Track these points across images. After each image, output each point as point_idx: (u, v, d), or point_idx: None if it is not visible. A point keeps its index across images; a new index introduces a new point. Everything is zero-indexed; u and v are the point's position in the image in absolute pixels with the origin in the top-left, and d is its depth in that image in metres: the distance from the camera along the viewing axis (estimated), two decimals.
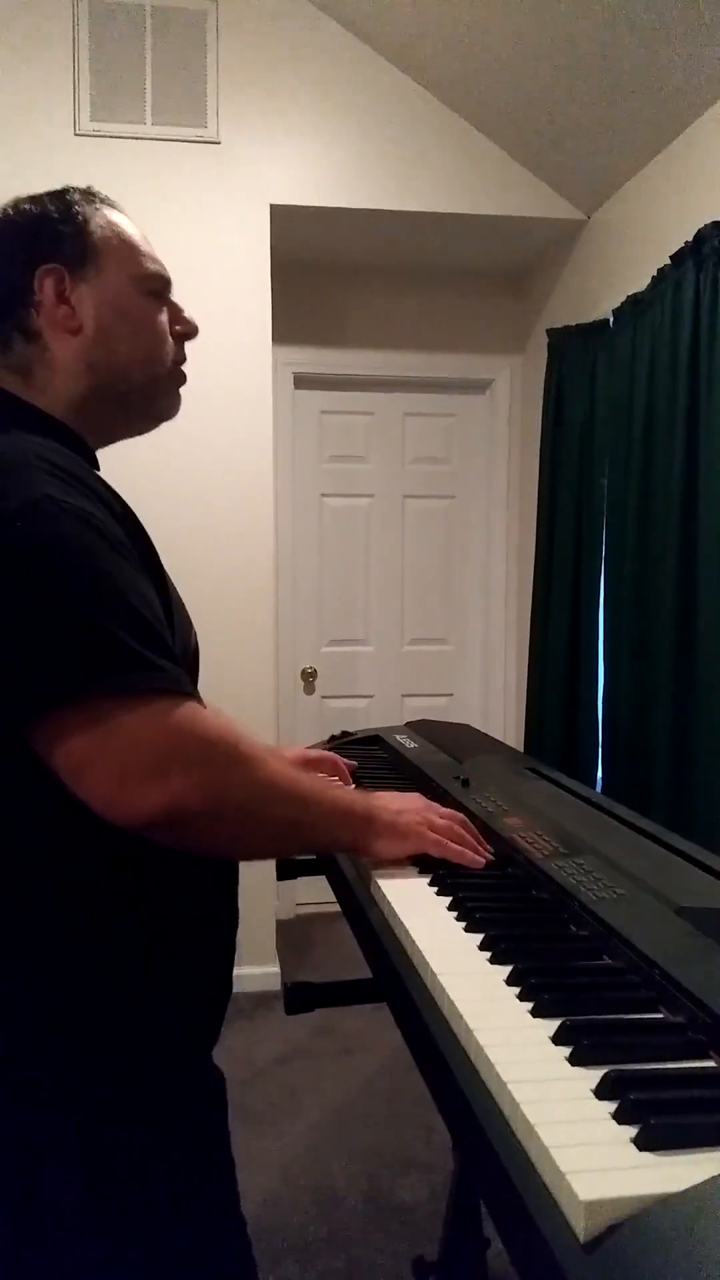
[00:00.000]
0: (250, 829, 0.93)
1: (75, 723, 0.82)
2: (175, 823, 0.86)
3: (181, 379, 1.10)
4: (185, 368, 1.10)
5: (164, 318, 1.06)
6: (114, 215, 1.05)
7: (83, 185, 1.06)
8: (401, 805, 1.09)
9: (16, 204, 1.03)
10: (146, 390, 1.06)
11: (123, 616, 0.84)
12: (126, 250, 1.04)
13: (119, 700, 0.83)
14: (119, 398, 1.04)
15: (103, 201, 1.05)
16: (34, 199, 1.03)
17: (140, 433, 1.10)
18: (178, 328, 1.08)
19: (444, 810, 1.13)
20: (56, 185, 1.05)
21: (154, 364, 1.05)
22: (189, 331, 1.09)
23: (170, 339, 1.07)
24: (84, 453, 1.02)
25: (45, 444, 0.92)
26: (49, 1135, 0.92)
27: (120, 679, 0.83)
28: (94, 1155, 0.92)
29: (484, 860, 1.09)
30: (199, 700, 0.90)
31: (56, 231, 1.00)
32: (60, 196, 1.03)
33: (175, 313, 1.08)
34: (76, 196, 1.03)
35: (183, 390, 1.10)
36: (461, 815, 1.15)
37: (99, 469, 1.06)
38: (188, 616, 1.06)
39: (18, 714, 0.84)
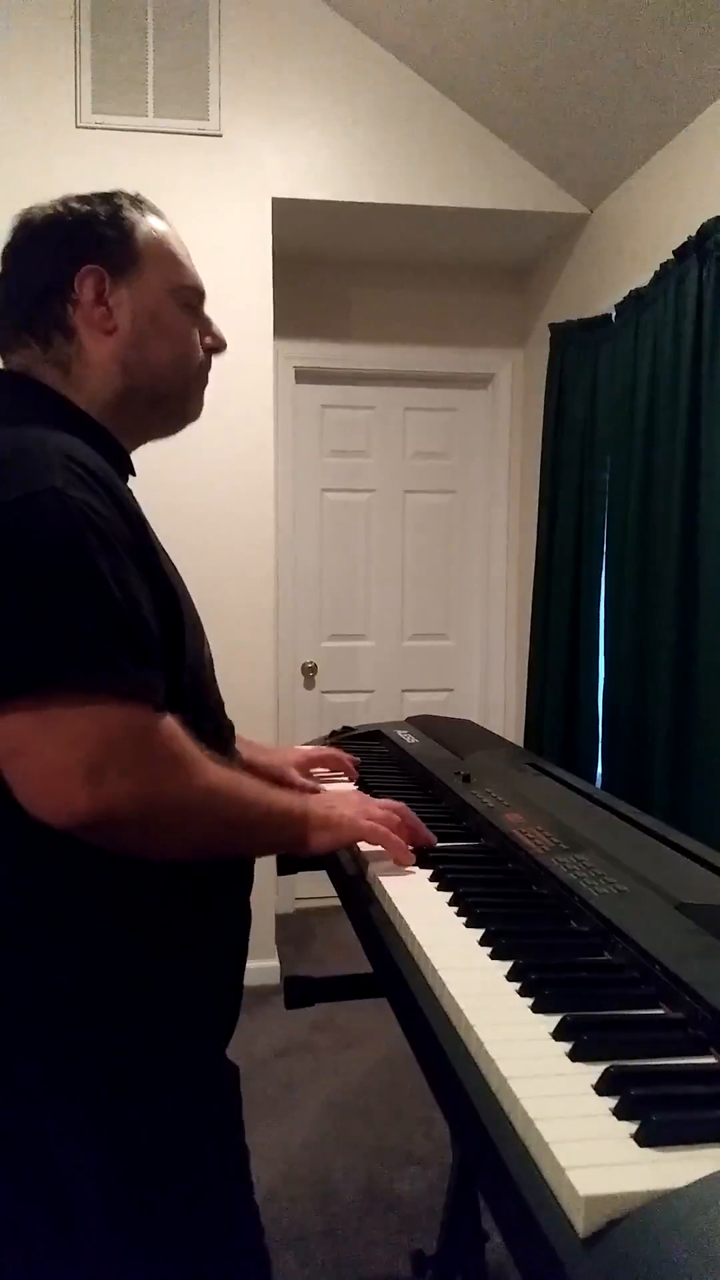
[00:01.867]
0: (183, 835, 0.93)
1: (22, 710, 0.82)
2: (103, 826, 0.85)
3: (205, 381, 1.12)
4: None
5: (195, 330, 1.09)
6: (159, 225, 1.07)
7: (131, 192, 1.08)
8: (336, 800, 1.11)
9: (65, 202, 1.05)
10: (177, 393, 1.08)
11: (97, 615, 0.84)
12: (168, 260, 1.06)
13: (68, 696, 0.83)
14: (151, 399, 1.06)
15: (150, 210, 1.08)
16: (83, 199, 1.05)
17: (171, 433, 1.12)
18: (207, 340, 1.11)
19: (383, 801, 1.15)
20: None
21: (183, 369, 1.08)
22: (218, 346, 1.12)
23: (200, 350, 1.10)
24: (116, 451, 1.03)
25: (70, 440, 0.92)
26: (64, 1127, 0.93)
27: (77, 676, 0.83)
28: (109, 1147, 0.93)
29: (413, 858, 1.09)
30: (158, 706, 0.89)
31: (101, 234, 1.02)
32: (109, 200, 1.05)
33: (206, 326, 1.11)
34: (125, 202, 1.06)
35: None
36: (402, 805, 1.15)
37: (133, 468, 1.08)
38: (201, 629, 1.07)
39: None
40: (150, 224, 1.06)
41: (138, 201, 1.07)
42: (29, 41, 3.00)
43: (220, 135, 3.12)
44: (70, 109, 3.03)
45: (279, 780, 1.44)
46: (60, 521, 0.84)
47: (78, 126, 3.03)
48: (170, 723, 0.90)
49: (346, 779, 1.53)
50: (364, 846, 1.14)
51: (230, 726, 1.16)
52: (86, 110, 3.03)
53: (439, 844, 1.14)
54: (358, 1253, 2.02)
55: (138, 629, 0.88)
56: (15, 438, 0.91)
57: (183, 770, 0.90)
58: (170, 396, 1.07)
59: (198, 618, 1.06)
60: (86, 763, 0.83)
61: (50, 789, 0.84)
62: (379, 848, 1.10)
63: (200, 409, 1.13)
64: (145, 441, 1.11)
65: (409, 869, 1.09)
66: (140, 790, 0.86)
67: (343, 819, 1.07)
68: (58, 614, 0.83)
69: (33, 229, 1.04)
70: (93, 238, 1.02)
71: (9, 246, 1.05)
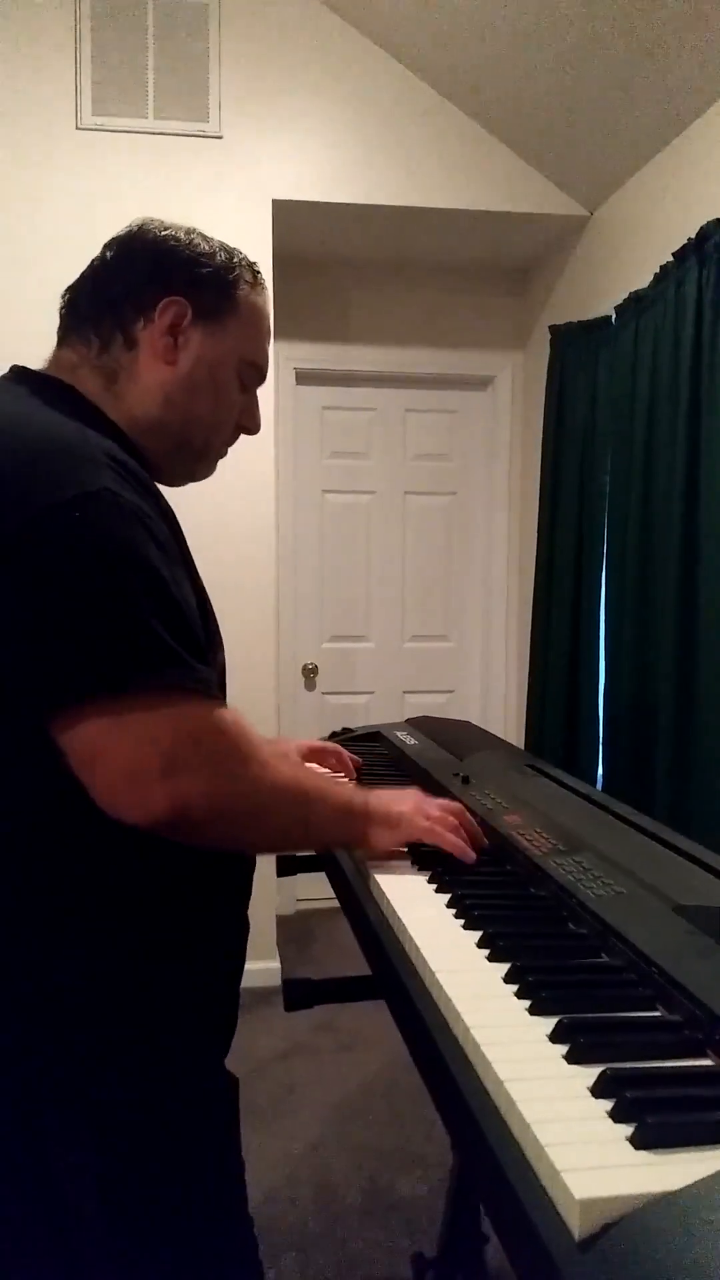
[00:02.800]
0: (252, 830, 0.96)
1: (97, 712, 0.83)
2: (179, 823, 0.87)
3: (223, 453, 1.15)
4: None
5: (239, 403, 1.11)
6: (262, 302, 1.10)
7: (253, 263, 1.11)
8: (397, 797, 1.12)
9: (190, 232, 1.07)
10: (198, 448, 1.09)
11: (162, 614, 0.86)
12: (251, 333, 1.09)
13: (143, 696, 0.84)
14: (175, 441, 1.06)
15: (261, 285, 1.10)
16: (209, 239, 1.08)
17: (175, 483, 1.12)
18: (244, 420, 1.13)
19: (440, 801, 1.15)
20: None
21: (213, 430, 1.09)
22: (250, 429, 1.14)
23: (233, 423, 1.12)
24: (142, 465, 1.03)
25: (107, 441, 0.93)
26: (63, 1131, 0.92)
27: (151, 676, 0.84)
28: (107, 1152, 0.93)
29: (473, 856, 1.09)
30: (220, 701, 0.91)
31: (204, 275, 1.04)
32: (230, 252, 1.08)
33: (250, 408, 1.13)
34: (243, 264, 1.08)
35: None
36: (459, 805, 1.16)
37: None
38: (218, 628, 1.08)
39: (54, 702, 0.84)
40: (255, 295, 1.08)
41: (255, 272, 1.10)
42: (29, 43, 3.01)
43: (220, 137, 3.12)
44: (70, 111, 3.03)
45: None
46: (118, 522, 0.85)
47: (78, 128, 3.03)
48: (235, 716, 0.92)
49: (347, 779, 1.53)
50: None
51: None
52: (87, 112, 3.03)
53: (435, 848, 1.13)
54: (358, 1254, 2.02)
55: (193, 627, 0.90)
56: (54, 427, 0.92)
57: (253, 763, 0.92)
58: (190, 448, 1.08)
59: (215, 619, 1.07)
60: (163, 760, 0.84)
61: (130, 788, 0.85)
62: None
63: (209, 474, 1.15)
64: (154, 479, 1.11)
65: (407, 871, 1.08)
66: (214, 784, 0.88)
67: (402, 817, 1.08)
68: (125, 616, 0.84)
69: (146, 238, 1.05)
70: (196, 275, 1.04)
71: (117, 240, 1.06)
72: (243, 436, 1.16)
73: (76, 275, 1.08)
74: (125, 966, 0.94)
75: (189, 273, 1.03)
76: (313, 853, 1.11)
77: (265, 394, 1.15)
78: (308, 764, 1.49)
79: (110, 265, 1.05)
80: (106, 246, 1.06)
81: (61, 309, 1.07)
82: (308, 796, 0.99)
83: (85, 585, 0.83)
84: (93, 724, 0.83)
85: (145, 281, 1.03)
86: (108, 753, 0.84)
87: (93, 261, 1.06)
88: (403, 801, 1.11)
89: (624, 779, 2.91)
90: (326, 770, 1.52)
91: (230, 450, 1.17)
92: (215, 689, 0.90)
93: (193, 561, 1.03)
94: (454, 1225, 1.63)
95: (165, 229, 1.06)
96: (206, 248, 1.06)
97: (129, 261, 1.04)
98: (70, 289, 1.07)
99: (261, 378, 1.12)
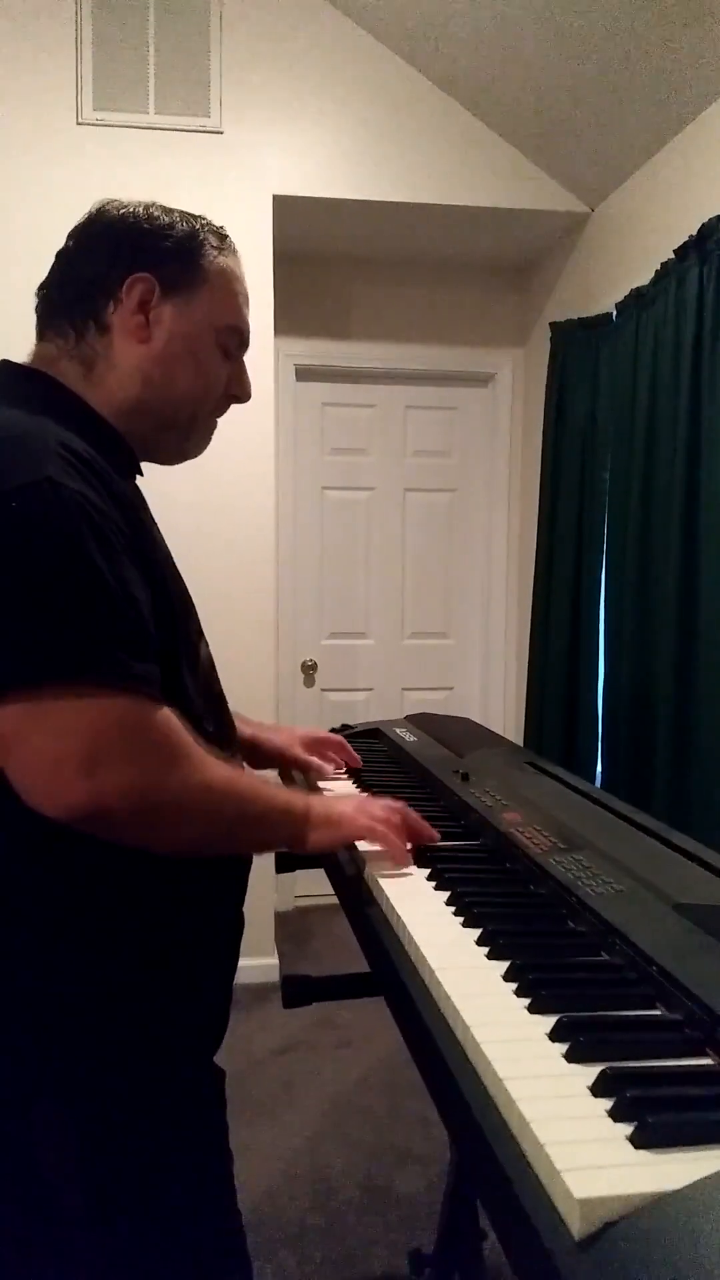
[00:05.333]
0: (180, 828, 0.93)
1: (17, 702, 0.83)
2: (98, 818, 0.86)
3: (214, 427, 1.12)
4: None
5: (225, 371, 1.09)
6: (232, 264, 1.07)
7: (218, 225, 1.09)
8: (339, 798, 1.12)
9: (149, 207, 1.05)
10: (184, 423, 1.08)
11: (96, 608, 0.84)
12: (224, 298, 1.06)
13: (63, 689, 0.83)
14: (158, 420, 1.05)
15: (229, 250, 1.08)
16: (168, 210, 1.06)
17: (168, 462, 1.12)
18: (233, 389, 1.11)
19: (383, 801, 1.14)
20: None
21: (197, 402, 1.07)
22: (241, 396, 1.12)
23: (221, 393, 1.09)
24: (123, 450, 1.03)
25: (67, 433, 0.92)
26: (50, 1130, 0.92)
27: (70, 668, 0.83)
28: (94, 1150, 0.93)
29: (409, 860, 1.08)
30: (155, 699, 0.89)
31: (167, 248, 1.03)
32: (191, 221, 1.06)
33: (237, 374, 1.11)
34: (206, 229, 1.06)
35: None
36: (402, 804, 1.15)
37: (140, 469, 1.08)
38: (198, 625, 1.07)
39: None
40: (224, 260, 1.06)
41: (221, 236, 1.08)
42: (30, 38, 3.00)
43: (221, 133, 3.12)
44: (71, 106, 3.02)
45: (281, 757, 1.45)
46: (56, 513, 0.84)
47: (79, 123, 3.03)
48: (167, 715, 0.90)
49: (347, 773, 1.53)
50: (363, 845, 1.14)
51: (231, 724, 1.15)
52: (88, 107, 3.02)
53: (437, 843, 1.14)
54: (356, 1250, 2.02)
55: (133, 621, 0.88)
56: (12, 423, 0.91)
57: (179, 763, 0.90)
58: (177, 424, 1.07)
59: (194, 613, 1.06)
60: (80, 753, 0.83)
61: (45, 780, 0.84)
62: (378, 847, 1.10)
63: (202, 448, 1.13)
64: (146, 460, 1.10)
65: (407, 869, 1.08)
66: (134, 782, 0.86)
67: (342, 817, 1.07)
68: (52, 607, 0.83)
69: (105, 220, 1.04)
70: (158, 249, 1.02)
71: (79, 228, 1.05)
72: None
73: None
74: (116, 962, 0.94)
75: (151, 247, 1.02)
76: (251, 855, 1.10)
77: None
78: (309, 756, 1.48)
79: (74, 253, 1.05)
80: (69, 236, 1.06)
81: (37, 305, 1.06)
82: (240, 798, 0.98)
83: (14, 575, 0.82)
84: (11, 711, 0.83)
85: (109, 264, 1.02)
86: (23, 743, 0.84)
87: (58, 252, 1.06)
88: (345, 802, 1.11)
89: (623, 776, 2.91)
90: (329, 763, 1.51)
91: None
92: (150, 685, 0.88)
93: (160, 552, 1.00)
94: (452, 1222, 1.63)
95: (123, 208, 1.05)
96: (166, 220, 1.04)
97: (91, 246, 1.04)
98: (42, 284, 1.06)
99: (244, 342, 1.10)
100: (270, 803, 1.03)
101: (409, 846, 1.11)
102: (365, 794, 1.17)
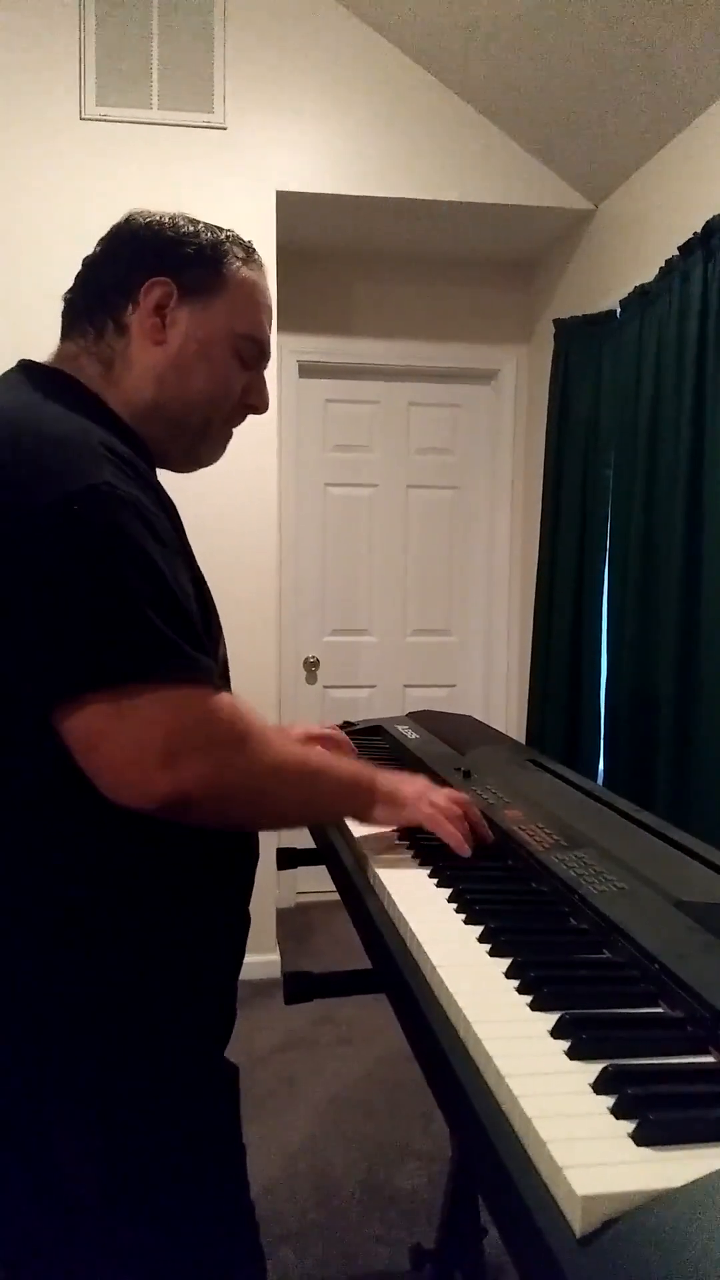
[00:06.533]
0: (256, 809, 0.98)
1: (98, 701, 0.85)
2: (180, 806, 0.88)
3: (229, 436, 1.14)
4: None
5: (240, 380, 1.09)
6: (255, 277, 1.09)
7: (246, 240, 1.10)
8: (405, 779, 1.13)
9: (176, 216, 1.07)
10: (196, 429, 1.08)
11: (163, 606, 0.87)
12: (244, 307, 1.08)
13: (143, 686, 0.86)
14: (172, 424, 1.06)
15: (255, 262, 1.09)
16: (195, 221, 1.08)
17: (182, 469, 1.12)
18: (251, 400, 1.12)
19: (448, 791, 1.15)
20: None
21: (210, 408, 1.08)
22: (259, 407, 1.14)
23: (236, 402, 1.10)
24: (142, 454, 1.03)
25: (105, 434, 0.94)
26: (65, 1127, 0.93)
27: (150, 667, 0.86)
28: (109, 1146, 0.94)
29: (468, 850, 1.09)
30: (217, 688, 0.92)
31: (189, 254, 1.04)
32: (217, 231, 1.08)
33: (256, 385, 1.12)
34: (230, 240, 1.08)
35: None
36: (466, 797, 1.16)
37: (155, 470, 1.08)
38: (218, 621, 1.08)
39: (57, 692, 0.86)
40: (247, 272, 1.08)
41: (249, 250, 1.09)
42: (33, 34, 2.99)
43: (225, 128, 3.11)
44: (74, 101, 3.02)
45: None
46: (119, 516, 0.86)
47: (82, 119, 3.02)
48: (231, 701, 0.93)
49: None
50: (360, 838, 1.14)
51: None
52: (90, 102, 3.02)
53: (435, 840, 1.13)
54: (357, 1247, 2.02)
55: (189, 616, 0.91)
56: (57, 421, 0.93)
57: (248, 746, 0.93)
58: (189, 428, 1.08)
59: (215, 612, 1.08)
60: (160, 746, 0.86)
61: (131, 774, 0.87)
62: (375, 838, 1.10)
63: (215, 457, 1.14)
64: (160, 466, 1.10)
65: (408, 865, 1.08)
66: (210, 769, 0.89)
67: (406, 799, 1.10)
68: (125, 607, 0.85)
69: (132, 226, 1.06)
70: (180, 255, 1.04)
71: (110, 232, 1.08)
72: (246, 425, 1.16)
73: (78, 266, 1.08)
74: (128, 958, 0.95)
75: (173, 253, 1.04)
76: (322, 824, 1.14)
77: (268, 386, 1.14)
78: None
79: (99, 258, 1.07)
80: (98, 242, 1.08)
81: (63, 309, 1.08)
82: (313, 772, 1.02)
83: (86, 579, 0.84)
84: (94, 712, 0.85)
85: (130, 267, 1.04)
86: (109, 740, 0.86)
87: (84, 259, 1.08)
88: (410, 784, 1.12)
89: (625, 774, 2.90)
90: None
91: (233, 442, 1.16)
92: (214, 676, 0.92)
93: (191, 554, 1.03)
94: (453, 1218, 1.63)
95: (150, 217, 1.07)
96: (191, 229, 1.06)
97: (115, 252, 1.06)
98: (70, 288, 1.08)
99: (263, 353, 1.11)
100: (339, 778, 1.06)
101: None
102: (429, 780, 1.17)
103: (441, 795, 1.13)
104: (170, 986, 0.98)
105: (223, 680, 1.08)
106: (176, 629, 0.88)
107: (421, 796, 1.11)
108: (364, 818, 1.10)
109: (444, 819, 1.09)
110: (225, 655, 1.10)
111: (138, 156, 3.03)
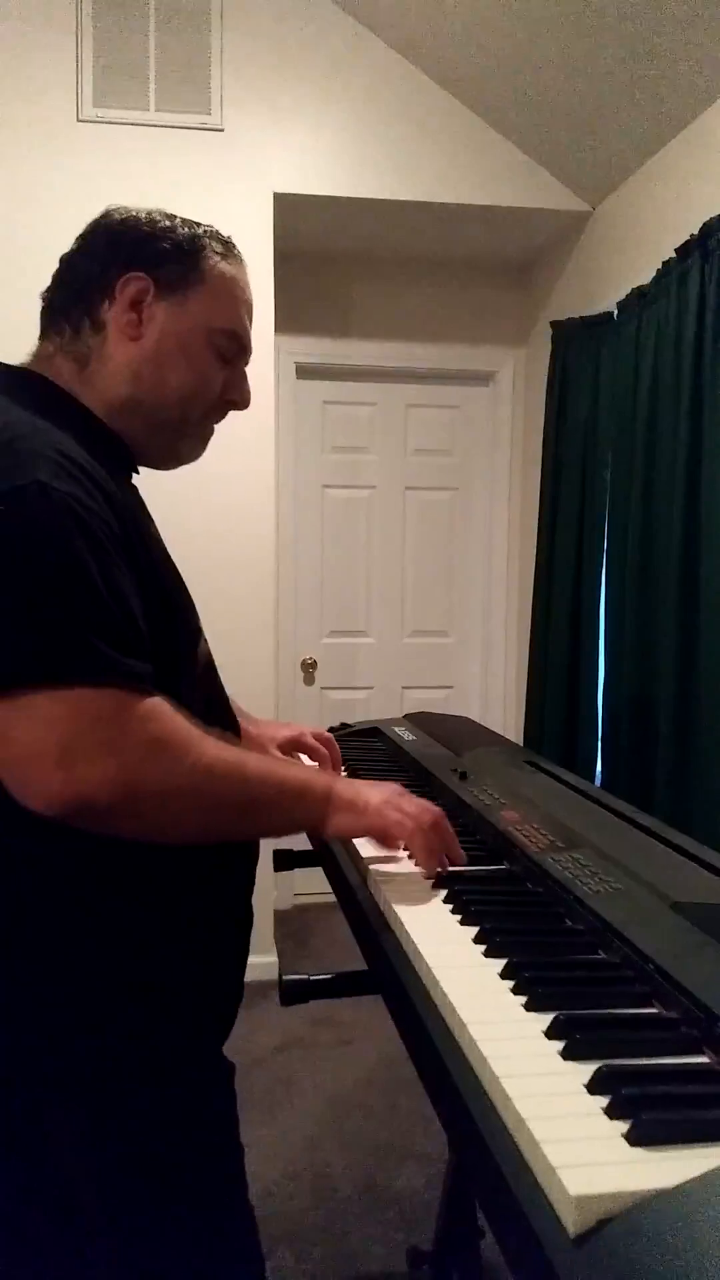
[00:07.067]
0: (177, 816, 0.91)
1: (2, 698, 0.83)
2: (82, 811, 0.85)
3: (210, 433, 1.12)
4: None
5: (220, 376, 1.08)
6: (234, 271, 1.07)
7: (225, 235, 1.09)
8: (371, 785, 1.07)
9: (152, 212, 1.06)
10: (174, 425, 1.07)
11: (75, 601, 0.85)
12: (222, 302, 1.06)
13: (46, 685, 0.83)
14: (149, 420, 1.05)
15: (234, 257, 1.08)
16: (171, 216, 1.07)
17: (162, 466, 1.11)
18: (232, 396, 1.10)
19: (421, 801, 1.08)
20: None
21: (188, 404, 1.06)
22: (239, 403, 1.11)
23: (216, 398, 1.09)
24: (117, 448, 1.03)
25: (61, 435, 0.92)
26: (65, 1126, 0.93)
27: (50, 665, 0.83)
28: (108, 1145, 0.94)
29: (435, 866, 1.04)
30: (142, 691, 0.88)
31: (165, 250, 1.03)
32: (194, 226, 1.07)
33: (236, 381, 1.10)
34: (208, 235, 1.07)
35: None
36: (439, 810, 1.08)
37: (137, 470, 1.08)
38: (198, 625, 1.06)
39: None
40: (225, 267, 1.06)
41: (227, 245, 1.08)
42: (30, 35, 2.99)
43: (222, 130, 3.11)
44: (71, 103, 3.02)
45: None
46: (44, 514, 0.85)
47: (79, 120, 3.02)
48: (155, 704, 0.89)
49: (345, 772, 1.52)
50: (358, 842, 1.14)
51: (235, 721, 1.15)
52: (88, 104, 3.02)
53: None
54: (355, 1248, 2.02)
55: (121, 619, 0.88)
56: (11, 426, 0.91)
57: (167, 751, 0.89)
58: (168, 424, 1.06)
59: (194, 611, 1.06)
60: (57, 746, 0.83)
61: (28, 774, 0.84)
62: (373, 842, 1.09)
63: (196, 454, 1.12)
64: (140, 464, 1.09)
65: (405, 867, 1.08)
66: (117, 773, 0.85)
67: (368, 805, 1.03)
68: (32, 604, 0.83)
69: (108, 222, 1.06)
70: (156, 250, 1.03)
71: (86, 231, 1.07)
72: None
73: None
74: (128, 956, 0.95)
75: (149, 248, 1.03)
76: (270, 838, 1.06)
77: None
78: (289, 752, 1.40)
79: (75, 255, 1.06)
80: (76, 238, 1.07)
81: (41, 308, 1.07)
82: (248, 781, 0.95)
83: (2, 577, 0.83)
84: None
85: (106, 262, 1.03)
86: (7, 740, 0.84)
87: (61, 256, 1.07)
88: (377, 790, 1.06)
89: (623, 775, 2.91)
90: (315, 763, 1.43)
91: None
92: (135, 679, 0.87)
93: (156, 552, 1.00)
94: (450, 1219, 1.63)
95: (126, 213, 1.06)
96: (167, 224, 1.05)
97: (91, 248, 1.05)
98: (48, 286, 1.07)
99: (242, 349, 1.09)
100: (284, 785, 1.00)
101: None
102: (402, 788, 1.09)
103: (413, 803, 1.06)
104: (172, 983, 0.98)
105: (206, 678, 1.07)
106: (92, 628, 0.85)
107: (387, 802, 1.04)
108: (321, 827, 1.02)
109: (414, 828, 1.03)
110: (208, 653, 1.08)
111: (135, 158, 3.04)
